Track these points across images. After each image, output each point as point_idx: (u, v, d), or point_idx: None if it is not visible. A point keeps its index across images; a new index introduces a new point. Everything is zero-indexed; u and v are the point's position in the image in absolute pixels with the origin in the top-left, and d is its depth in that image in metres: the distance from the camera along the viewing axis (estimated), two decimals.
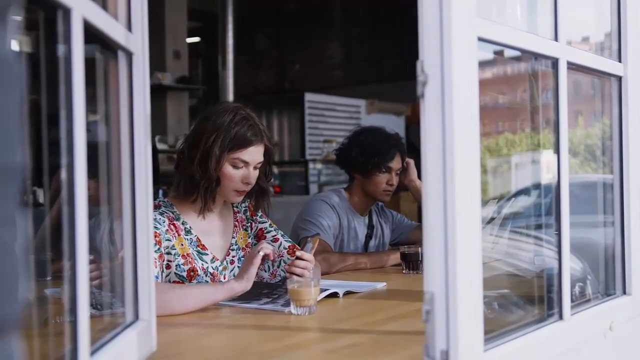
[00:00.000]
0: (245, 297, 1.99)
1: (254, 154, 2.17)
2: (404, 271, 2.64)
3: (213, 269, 2.21)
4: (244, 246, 2.34)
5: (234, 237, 2.32)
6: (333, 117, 8.11)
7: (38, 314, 1.30)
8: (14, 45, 0.60)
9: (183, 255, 2.15)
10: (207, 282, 2.17)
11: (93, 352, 1.06)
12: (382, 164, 2.94)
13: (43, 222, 1.75)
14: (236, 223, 2.34)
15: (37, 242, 1.63)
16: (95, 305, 1.28)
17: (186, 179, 2.18)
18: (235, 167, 2.16)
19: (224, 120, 2.13)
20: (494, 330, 1.31)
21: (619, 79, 1.77)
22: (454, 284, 1.14)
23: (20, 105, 0.59)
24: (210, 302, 1.93)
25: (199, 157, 2.13)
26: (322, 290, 2.02)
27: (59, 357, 1.01)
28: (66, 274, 0.99)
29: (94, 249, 1.08)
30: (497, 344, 1.28)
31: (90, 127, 1.11)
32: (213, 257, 2.23)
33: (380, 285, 2.32)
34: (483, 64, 1.24)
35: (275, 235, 2.36)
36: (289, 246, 2.33)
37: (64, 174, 0.97)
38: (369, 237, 3.09)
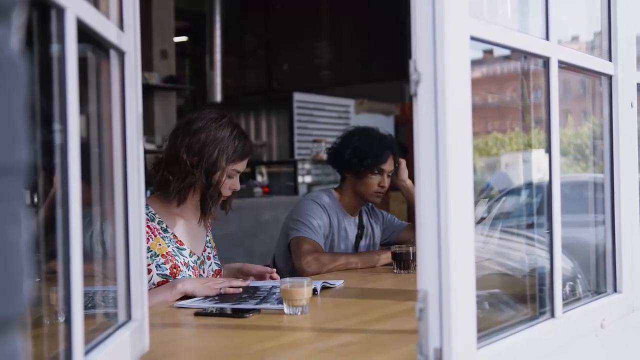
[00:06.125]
0: (236, 300, 2.00)
1: (245, 163, 2.31)
2: (395, 270, 2.65)
3: (193, 262, 2.28)
4: (214, 245, 2.45)
5: (208, 236, 2.42)
6: (322, 117, 8.10)
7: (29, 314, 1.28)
8: (17, 45, 0.60)
9: (162, 255, 2.17)
10: (190, 276, 2.24)
11: (86, 352, 1.06)
12: (375, 165, 2.92)
13: (32, 223, 1.74)
14: (208, 224, 2.44)
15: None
16: (86, 304, 1.27)
17: (187, 186, 2.22)
18: (229, 177, 2.26)
19: (224, 134, 2.23)
20: (487, 329, 1.32)
21: (610, 77, 1.78)
22: (447, 282, 1.14)
23: (24, 104, 0.59)
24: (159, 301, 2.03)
25: (204, 169, 2.20)
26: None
27: (53, 358, 1.00)
28: (60, 275, 0.98)
29: (85, 249, 1.07)
30: (490, 342, 1.28)
31: (82, 127, 1.10)
32: (190, 252, 2.29)
33: (339, 284, 2.33)
34: (472, 63, 1.24)
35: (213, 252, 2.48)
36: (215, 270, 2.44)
37: (57, 175, 0.96)
38: (359, 237, 3.08)
